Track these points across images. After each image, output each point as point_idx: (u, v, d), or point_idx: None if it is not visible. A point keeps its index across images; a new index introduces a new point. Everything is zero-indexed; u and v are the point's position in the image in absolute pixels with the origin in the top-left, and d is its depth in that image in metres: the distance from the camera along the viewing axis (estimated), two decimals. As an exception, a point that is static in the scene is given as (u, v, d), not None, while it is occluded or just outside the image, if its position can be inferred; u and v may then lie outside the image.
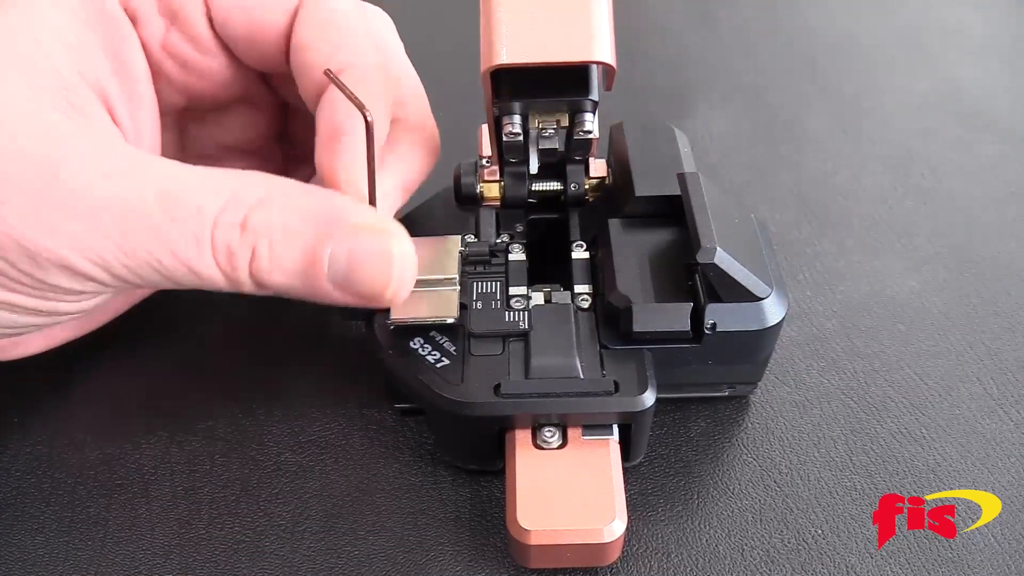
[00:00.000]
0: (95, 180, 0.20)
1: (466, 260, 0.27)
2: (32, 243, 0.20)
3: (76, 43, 0.22)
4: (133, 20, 0.24)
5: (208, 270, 0.21)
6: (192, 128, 0.29)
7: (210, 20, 0.25)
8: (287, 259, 0.21)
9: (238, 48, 0.25)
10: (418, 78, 0.28)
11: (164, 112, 0.26)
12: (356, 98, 0.22)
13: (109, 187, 0.20)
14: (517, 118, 0.26)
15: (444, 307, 0.25)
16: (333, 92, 0.24)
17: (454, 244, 0.27)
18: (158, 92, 0.25)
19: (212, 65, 0.26)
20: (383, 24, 0.27)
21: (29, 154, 0.20)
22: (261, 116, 0.29)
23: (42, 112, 0.21)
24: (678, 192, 0.26)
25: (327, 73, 0.23)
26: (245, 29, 0.25)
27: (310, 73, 0.24)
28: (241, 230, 0.21)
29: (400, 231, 0.22)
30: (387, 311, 0.25)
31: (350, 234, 0.21)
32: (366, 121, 0.22)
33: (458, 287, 0.26)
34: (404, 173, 0.27)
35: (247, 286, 0.21)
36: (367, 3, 0.27)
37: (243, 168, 0.23)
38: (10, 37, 0.21)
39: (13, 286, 0.21)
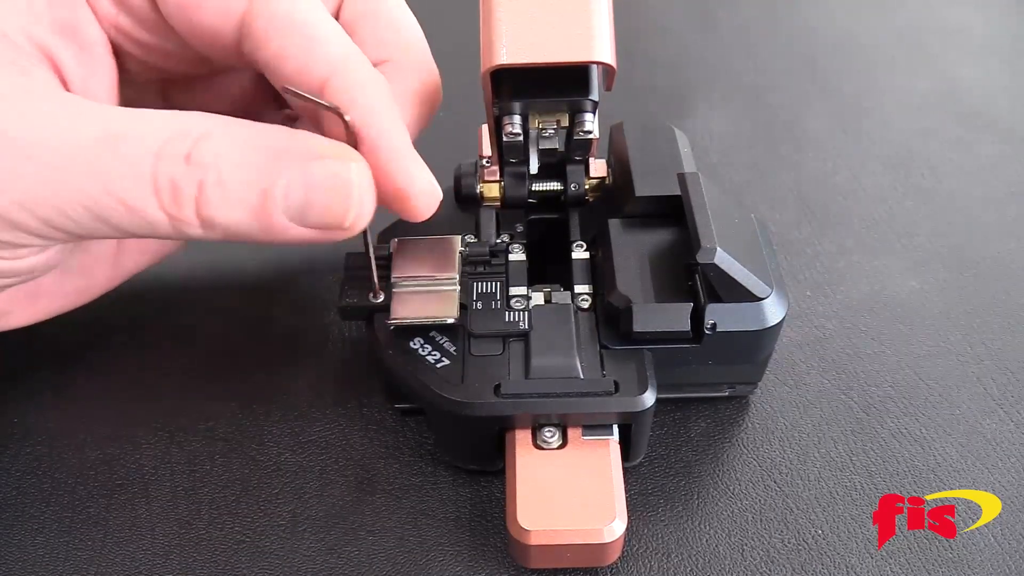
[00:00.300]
0: (24, 124, 0.19)
1: (466, 260, 0.27)
2: None
3: (25, 13, 0.22)
4: None
5: (150, 208, 0.19)
6: (178, 96, 0.28)
7: (156, 7, 0.24)
8: (237, 192, 0.20)
9: (184, 33, 0.24)
10: (414, 20, 0.27)
11: (144, 82, 0.26)
12: (329, 105, 0.21)
13: (43, 129, 0.19)
14: (517, 118, 0.26)
15: (444, 307, 0.25)
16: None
17: (454, 244, 0.27)
18: (126, 66, 0.25)
19: (166, 45, 0.25)
20: None
21: None
22: (249, 81, 0.28)
23: None
24: (678, 192, 0.26)
25: (287, 91, 0.21)
26: (186, 27, 0.24)
27: (278, 79, 0.23)
28: (186, 162, 0.19)
29: (356, 156, 0.21)
30: (387, 311, 0.25)
31: (304, 161, 0.20)
32: (344, 122, 0.21)
33: (458, 287, 0.26)
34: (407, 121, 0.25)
35: (194, 227, 0.20)
36: None
37: None
38: None
39: None
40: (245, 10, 0.22)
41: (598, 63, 0.23)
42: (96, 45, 0.23)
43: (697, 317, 0.25)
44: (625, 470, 0.25)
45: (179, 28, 0.24)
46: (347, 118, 0.21)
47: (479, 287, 0.27)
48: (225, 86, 0.28)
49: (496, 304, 0.26)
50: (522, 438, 0.24)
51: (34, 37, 0.22)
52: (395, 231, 0.28)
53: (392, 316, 0.25)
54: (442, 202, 0.30)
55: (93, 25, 0.23)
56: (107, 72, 0.24)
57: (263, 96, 0.29)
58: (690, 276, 0.25)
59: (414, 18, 0.27)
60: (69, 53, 0.23)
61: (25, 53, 0.22)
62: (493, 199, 0.30)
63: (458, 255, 0.27)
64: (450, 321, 0.25)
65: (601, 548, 0.23)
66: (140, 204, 0.19)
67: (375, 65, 0.24)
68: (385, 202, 0.22)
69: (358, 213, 0.21)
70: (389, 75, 0.25)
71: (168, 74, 0.27)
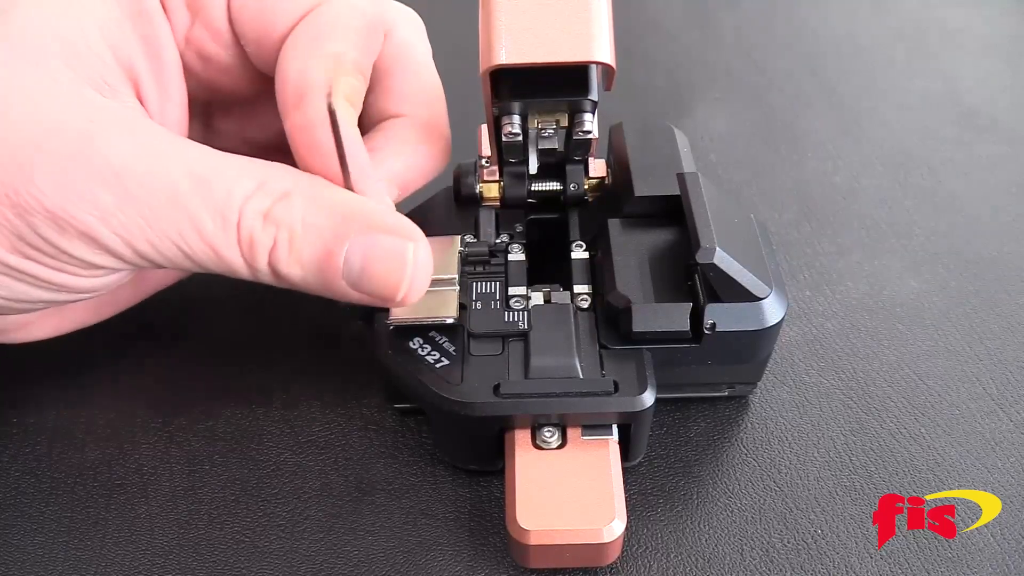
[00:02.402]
0: (128, 154, 0.20)
1: (466, 260, 0.27)
2: (60, 208, 0.20)
3: (113, 28, 0.22)
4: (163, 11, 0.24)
5: (230, 254, 0.21)
6: (218, 121, 0.29)
7: (230, 16, 0.25)
8: (305, 253, 0.21)
9: (249, 47, 0.25)
10: (439, 81, 0.28)
11: (190, 103, 0.26)
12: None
13: (142, 162, 0.20)
14: (517, 118, 0.26)
15: (444, 307, 0.25)
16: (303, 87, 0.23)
17: (454, 244, 0.27)
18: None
19: (231, 61, 0.25)
20: (401, 18, 0.27)
21: (66, 125, 0.20)
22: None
23: (80, 89, 0.21)
24: (678, 192, 0.26)
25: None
26: (254, 27, 0.24)
27: (284, 71, 0.24)
28: (264, 220, 0.21)
29: (419, 236, 0.23)
30: (387, 311, 0.25)
31: (367, 233, 0.22)
32: (328, 106, 0.21)
33: (458, 287, 0.26)
34: (405, 168, 0.27)
35: (265, 275, 0.22)
36: (394, 2, 0.27)
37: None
38: (53, 18, 0.21)
39: (32, 253, 0.21)
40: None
41: (597, 63, 0.23)
42: (172, 69, 0.24)
43: (696, 317, 0.25)
44: (625, 470, 0.25)
45: (249, 37, 0.24)
46: (329, 101, 0.22)
47: (479, 287, 0.27)
48: (263, 116, 0.28)
49: (495, 304, 0.26)
50: (522, 438, 0.24)
51: (120, 53, 0.22)
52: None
53: (391, 316, 0.25)
54: (442, 202, 0.30)
55: (171, 42, 0.24)
56: (179, 97, 0.24)
57: None
58: (689, 276, 0.25)
59: (438, 76, 0.28)
60: (150, 75, 0.23)
61: (112, 71, 0.22)
62: (492, 199, 0.30)
63: (457, 255, 0.27)
64: (450, 321, 0.25)
65: (601, 548, 0.23)
66: (223, 248, 0.21)
67: (392, 117, 0.26)
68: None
69: (410, 289, 0.22)
70: (405, 128, 0.26)
71: (216, 95, 0.27)
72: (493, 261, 0.28)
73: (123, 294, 0.28)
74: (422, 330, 0.25)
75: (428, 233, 0.27)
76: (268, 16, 0.24)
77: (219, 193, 0.21)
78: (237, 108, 0.28)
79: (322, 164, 0.22)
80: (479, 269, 0.27)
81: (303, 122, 0.22)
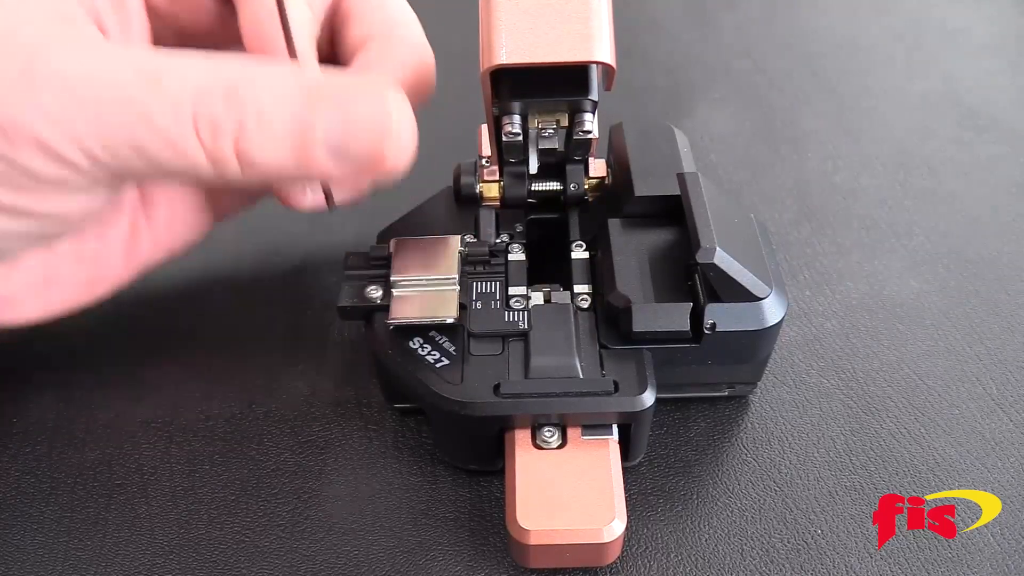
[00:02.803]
0: (77, 61, 0.20)
1: (466, 260, 0.27)
2: (6, 118, 0.19)
3: None
4: None
5: (190, 146, 0.20)
6: None
7: None
8: (278, 129, 0.20)
9: None
10: (407, 6, 0.27)
11: (154, 43, 0.25)
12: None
13: (89, 66, 0.20)
14: (517, 118, 0.26)
15: (443, 307, 0.25)
16: None
17: (454, 244, 0.27)
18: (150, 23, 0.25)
19: None
20: None
21: (15, 39, 0.20)
22: None
23: (36, 11, 0.21)
24: (678, 192, 0.26)
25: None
26: None
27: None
28: (226, 99, 0.20)
29: (394, 87, 0.21)
30: (387, 311, 0.25)
31: (344, 95, 0.21)
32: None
33: (457, 287, 0.26)
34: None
35: (232, 166, 0.20)
36: None
37: None
38: None
39: None
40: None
41: (598, 63, 0.23)
42: (134, 10, 0.24)
43: (696, 317, 0.25)
44: (625, 470, 0.25)
45: None
46: None
47: (479, 287, 0.27)
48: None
49: (496, 304, 0.26)
50: (522, 438, 0.24)
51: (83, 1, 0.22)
52: (394, 231, 0.28)
53: (391, 316, 0.25)
54: (442, 202, 0.30)
55: None
56: (143, 31, 0.24)
57: None
58: (689, 276, 0.25)
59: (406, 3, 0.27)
60: (111, 11, 0.23)
61: (76, 12, 0.22)
62: (492, 199, 0.30)
63: (457, 255, 0.27)
64: (449, 321, 0.25)
65: (601, 548, 0.23)
66: (181, 140, 0.20)
67: (362, 40, 0.25)
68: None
69: (398, 150, 0.21)
70: (377, 49, 0.25)
71: (185, 34, 0.26)
72: (493, 261, 0.28)
73: (112, 267, 0.26)
74: (422, 330, 0.25)
75: (428, 233, 0.28)
76: None
77: (170, 84, 0.20)
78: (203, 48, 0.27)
79: (269, 52, 0.22)
80: (479, 269, 0.27)
81: (252, 15, 0.22)
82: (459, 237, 0.27)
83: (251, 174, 0.21)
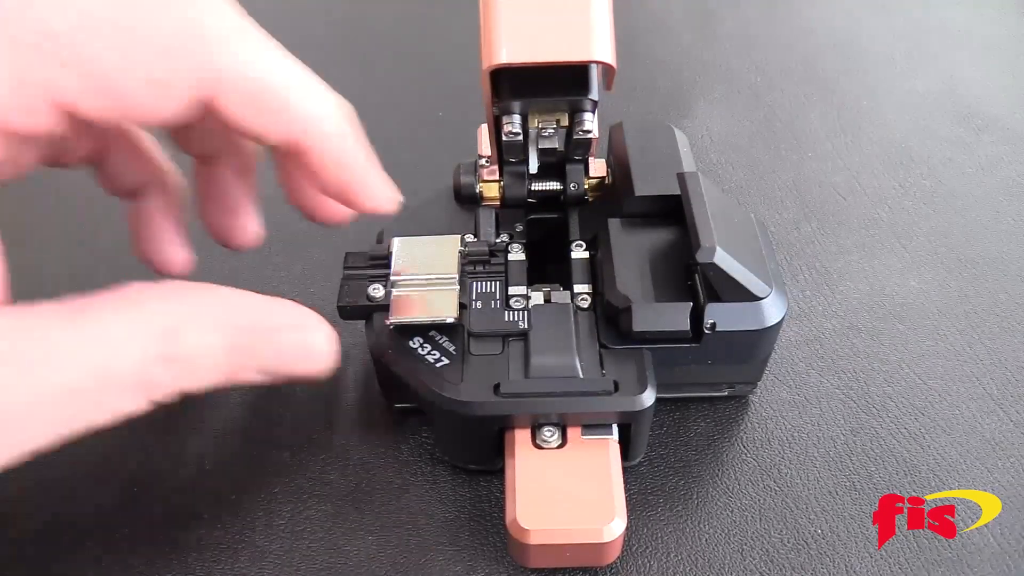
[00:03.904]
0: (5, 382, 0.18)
1: (466, 260, 0.27)
2: None
3: None
4: None
5: (132, 406, 0.20)
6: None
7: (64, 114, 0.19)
8: (212, 373, 0.20)
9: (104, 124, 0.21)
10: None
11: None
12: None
13: (20, 384, 0.18)
14: (517, 118, 0.26)
15: (444, 307, 0.25)
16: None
17: (453, 244, 0.27)
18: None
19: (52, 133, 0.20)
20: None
21: None
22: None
23: None
24: (678, 192, 0.26)
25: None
26: (108, 118, 0.20)
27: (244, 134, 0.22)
28: (165, 363, 0.20)
29: (319, 321, 0.22)
30: (387, 311, 0.25)
31: (272, 334, 0.21)
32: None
33: (457, 287, 0.26)
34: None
35: (162, 401, 0.20)
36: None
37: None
38: None
39: None
40: (210, 94, 0.20)
41: (598, 62, 0.23)
42: None
43: (697, 317, 0.25)
44: (625, 470, 0.25)
45: (97, 122, 0.20)
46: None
47: (478, 287, 0.27)
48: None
49: (496, 303, 0.26)
50: (522, 438, 0.24)
51: None
52: (394, 231, 0.28)
53: (391, 315, 0.25)
54: (442, 202, 0.30)
55: None
56: None
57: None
58: (690, 275, 0.25)
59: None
60: None
61: None
62: (492, 199, 0.30)
63: (457, 254, 0.27)
64: (450, 321, 0.25)
65: (601, 547, 0.23)
66: (124, 407, 0.20)
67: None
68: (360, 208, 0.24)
69: (319, 365, 0.22)
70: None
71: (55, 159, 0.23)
72: (493, 261, 0.28)
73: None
74: (422, 329, 0.25)
75: (428, 233, 0.27)
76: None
77: (117, 377, 0.19)
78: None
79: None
80: (479, 269, 0.27)
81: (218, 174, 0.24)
82: (459, 237, 0.27)
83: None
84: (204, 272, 0.32)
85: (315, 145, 0.22)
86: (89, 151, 0.24)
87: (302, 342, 0.22)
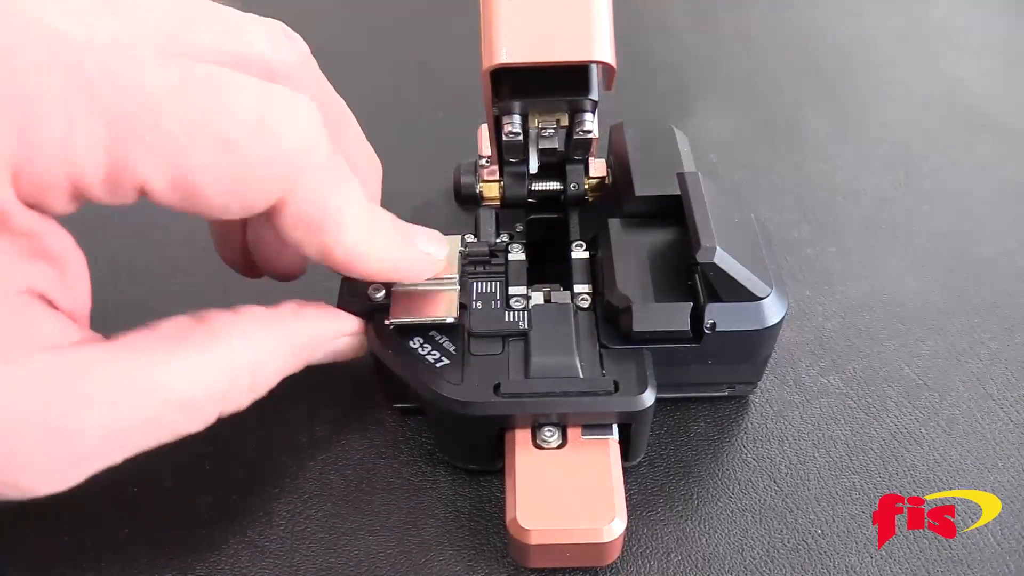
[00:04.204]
0: (100, 420, 0.19)
1: (466, 260, 0.27)
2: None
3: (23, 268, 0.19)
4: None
5: (208, 420, 0.22)
6: None
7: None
8: (278, 378, 0.23)
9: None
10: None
11: None
12: None
13: (112, 418, 0.19)
14: (517, 118, 0.26)
15: (444, 307, 0.25)
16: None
17: (454, 244, 0.27)
18: None
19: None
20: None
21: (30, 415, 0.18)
22: None
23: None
24: (678, 192, 0.26)
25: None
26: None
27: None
28: (250, 392, 0.22)
29: (353, 320, 0.26)
30: (387, 311, 0.25)
31: (327, 342, 0.25)
32: None
33: (458, 287, 0.26)
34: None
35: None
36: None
37: None
38: None
39: None
40: (277, 203, 0.20)
41: (598, 62, 0.23)
42: (69, 253, 0.20)
43: (697, 317, 0.25)
44: (625, 470, 0.25)
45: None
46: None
47: (479, 287, 0.27)
48: None
49: (496, 303, 0.26)
50: (522, 437, 0.24)
51: (17, 278, 0.18)
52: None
53: (392, 316, 0.25)
54: (442, 202, 0.30)
55: (61, 233, 0.19)
56: (83, 279, 0.21)
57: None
58: (690, 276, 0.25)
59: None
60: (49, 277, 0.19)
61: (17, 303, 0.18)
62: (493, 199, 0.30)
63: (458, 255, 0.27)
64: (450, 321, 0.25)
65: (601, 548, 0.23)
66: (201, 425, 0.21)
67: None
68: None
69: (356, 356, 0.26)
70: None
71: None
72: (493, 261, 0.28)
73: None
74: (422, 330, 0.25)
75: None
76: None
77: (200, 404, 0.21)
78: None
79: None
80: (479, 269, 0.27)
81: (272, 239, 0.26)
82: (459, 237, 0.27)
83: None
84: (203, 273, 0.32)
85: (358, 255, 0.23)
86: None
87: (346, 343, 0.26)
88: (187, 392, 0.20)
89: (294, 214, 0.20)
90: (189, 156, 0.18)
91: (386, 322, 0.25)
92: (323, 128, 0.20)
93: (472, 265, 0.27)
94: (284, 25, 0.23)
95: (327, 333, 0.25)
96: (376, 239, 0.23)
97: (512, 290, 0.27)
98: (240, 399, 0.22)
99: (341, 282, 0.27)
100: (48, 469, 0.19)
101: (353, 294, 0.26)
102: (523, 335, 0.25)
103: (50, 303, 0.19)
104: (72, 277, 0.20)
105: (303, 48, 0.23)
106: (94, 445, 0.19)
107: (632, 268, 0.26)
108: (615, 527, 0.23)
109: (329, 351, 0.25)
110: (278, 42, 0.22)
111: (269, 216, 0.21)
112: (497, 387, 0.24)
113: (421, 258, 0.25)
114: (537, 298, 0.27)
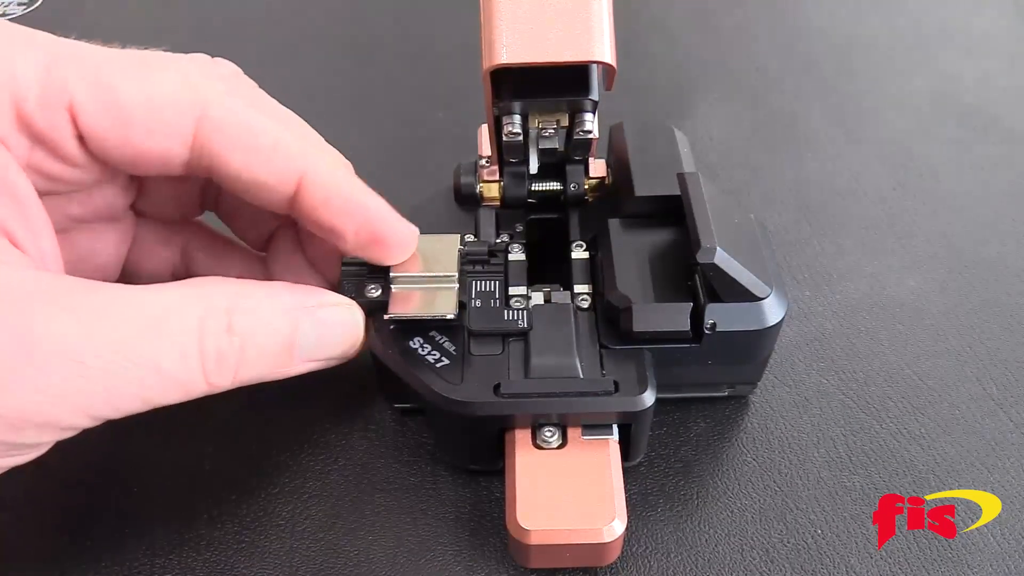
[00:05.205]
0: (70, 325, 0.19)
1: (465, 259, 0.27)
2: (12, 411, 0.18)
3: None
4: None
5: (195, 381, 0.21)
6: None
7: (80, 139, 0.22)
8: (269, 353, 0.22)
9: (121, 166, 0.23)
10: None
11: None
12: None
13: (86, 327, 0.19)
14: (517, 118, 0.26)
15: (443, 303, 0.25)
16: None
17: (453, 242, 0.27)
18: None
19: (82, 176, 0.23)
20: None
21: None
22: (123, 190, 0.26)
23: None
24: (678, 192, 0.26)
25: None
26: (123, 156, 0.22)
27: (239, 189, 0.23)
28: (228, 333, 0.21)
29: (351, 301, 0.25)
30: (386, 308, 0.25)
31: (316, 311, 0.23)
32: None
33: (457, 285, 0.26)
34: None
35: (225, 386, 0.22)
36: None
37: (96, 236, 0.25)
38: None
39: None
40: (196, 130, 0.22)
41: (598, 63, 0.23)
42: (33, 202, 0.21)
43: (697, 317, 0.25)
44: (625, 470, 0.25)
45: (113, 158, 0.22)
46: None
47: (478, 286, 0.27)
48: (92, 197, 0.25)
49: (496, 303, 0.26)
50: (522, 438, 0.24)
51: None
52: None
53: (389, 311, 0.25)
54: (442, 202, 0.30)
55: (21, 176, 0.21)
56: (47, 228, 0.22)
57: (125, 203, 0.26)
58: (690, 276, 0.25)
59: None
60: (19, 222, 0.20)
61: None
62: (493, 199, 0.30)
63: (457, 253, 0.27)
64: (449, 317, 0.25)
65: (601, 548, 0.23)
66: (188, 380, 0.21)
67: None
68: (376, 256, 0.25)
69: (361, 342, 0.25)
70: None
71: (52, 193, 0.24)
72: (493, 261, 0.27)
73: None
74: (422, 329, 0.25)
75: (427, 233, 0.27)
76: (144, 146, 0.22)
77: (173, 326, 0.20)
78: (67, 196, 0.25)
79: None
80: (479, 269, 0.27)
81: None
82: (459, 235, 0.27)
83: (229, 388, 0.22)
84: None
85: (319, 182, 0.23)
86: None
87: (339, 314, 0.24)
88: (165, 318, 0.20)
89: (216, 129, 0.22)
90: (111, 75, 0.21)
91: (384, 317, 0.25)
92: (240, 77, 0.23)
93: (472, 265, 0.27)
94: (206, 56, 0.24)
95: (317, 299, 0.24)
96: (293, 129, 0.23)
97: (512, 290, 0.27)
98: (221, 343, 0.21)
99: (340, 280, 0.26)
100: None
101: (351, 291, 0.26)
102: (523, 335, 0.25)
103: (12, 240, 0.20)
104: (34, 220, 0.21)
105: (231, 66, 0.24)
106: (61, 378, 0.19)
107: (632, 268, 0.26)
108: (615, 527, 0.23)
109: (325, 324, 0.24)
110: (205, 65, 0.24)
111: (207, 156, 0.22)
112: (497, 387, 0.24)
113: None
114: (537, 298, 0.27)
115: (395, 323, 0.25)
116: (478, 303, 0.26)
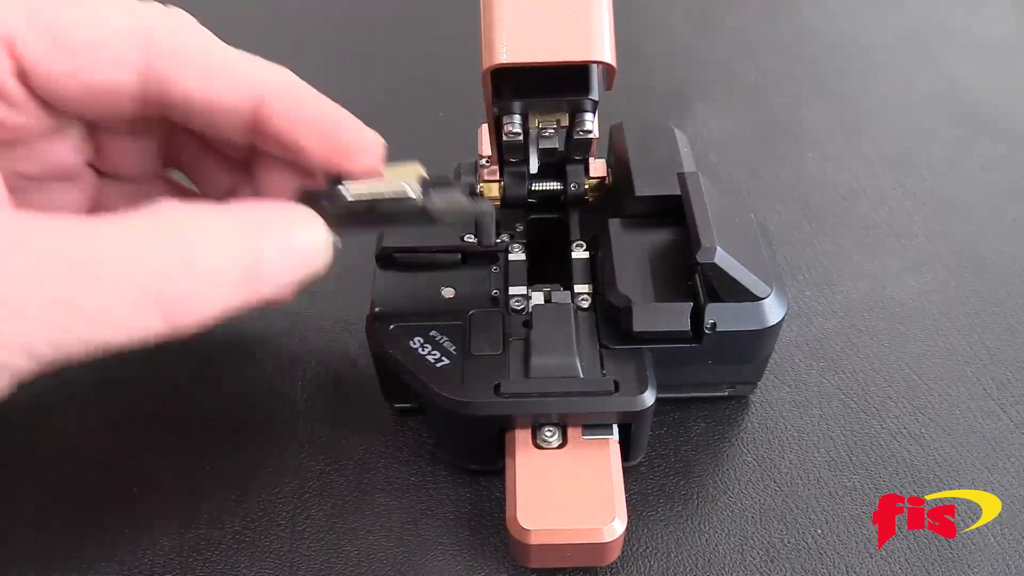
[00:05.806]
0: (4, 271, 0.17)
1: (465, 260, 0.27)
2: None
3: None
4: None
5: (152, 323, 0.19)
6: None
7: (22, 77, 0.21)
8: (230, 283, 0.20)
9: (70, 107, 0.22)
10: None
11: None
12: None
13: (21, 264, 0.17)
14: (517, 118, 0.26)
15: (405, 181, 0.23)
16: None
17: (415, 167, 0.23)
18: None
19: (27, 122, 0.22)
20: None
21: None
22: (77, 145, 0.25)
23: None
24: (678, 192, 0.26)
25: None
26: (72, 94, 0.21)
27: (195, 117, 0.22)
28: (182, 267, 0.19)
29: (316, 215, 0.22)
30: (386, 308, 0.25)
31: (282, 229, 0.21)
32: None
33: (420, 166, 0.23)
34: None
35: (188, 325, 0.19)
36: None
37: (52, 196, 0.23)
38: None
39: None
40: (146, 56, 0.21)
41: (598, 62, 0.23)
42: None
43: (697, 317, 0.25)
44: (625, 470, 0.25)
45: (59, 95, 0.21)
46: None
47: (478, 286, 0.27)
48: (47, 153, 0.24)
49: (495, 303, 0.26)
50: (522, 438, 0.24)
51: None
52: (393, 232, 0.28)
53: (349, 187, 0.22)
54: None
55: None
56: None
57: (83, 159, 0.25)
58: (690, 276, 0.25)
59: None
60: None
61: None
62: (493, 199, 0.30)
63: (418, 174, 0.23)
64: (412, 197, 0.22)
65: (601, 548, 0.23)
66: (142, 325, 0.19)
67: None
68: (343, 167, 0.23)
69: (327, 260, 0.22)
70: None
71: None
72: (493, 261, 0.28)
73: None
74: (422, 329, 0.25)
75: (427, 234, 0.27)
76: (97, 79, 0.21)
77: (123, 272, 0.18)
78: (18, 147, 0.24)
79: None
80: (478, 268, 0.27)
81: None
82: (417, 162, 0.24)
83: (203, 323, 0.20)
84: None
85: (279, 93, 0.22)
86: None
87: (305, 231, 0.21)
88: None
89: (165, 52, 0.21)
90: (50, 5, 0.20)
91: (343, 192, 0.23)
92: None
93: (472, 265, 0.27)
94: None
95: (281, 213, 0.21)
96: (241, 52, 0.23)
97: (512, 290, 0.27)
98: (174, 278, 0.19)
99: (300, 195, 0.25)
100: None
101: (309, 199, 0.23)
102: (523, 335, 0.25)
103: None
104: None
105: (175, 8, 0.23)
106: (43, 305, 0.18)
107: (632, 268, 0.26)
108: (615, 527, 0.23)
109: (290, 238, 0.21)
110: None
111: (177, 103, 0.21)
112: (497, 387, 0.24)
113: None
114: (537, 298, 0.27)
115: (392, 320, 0.25)
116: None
